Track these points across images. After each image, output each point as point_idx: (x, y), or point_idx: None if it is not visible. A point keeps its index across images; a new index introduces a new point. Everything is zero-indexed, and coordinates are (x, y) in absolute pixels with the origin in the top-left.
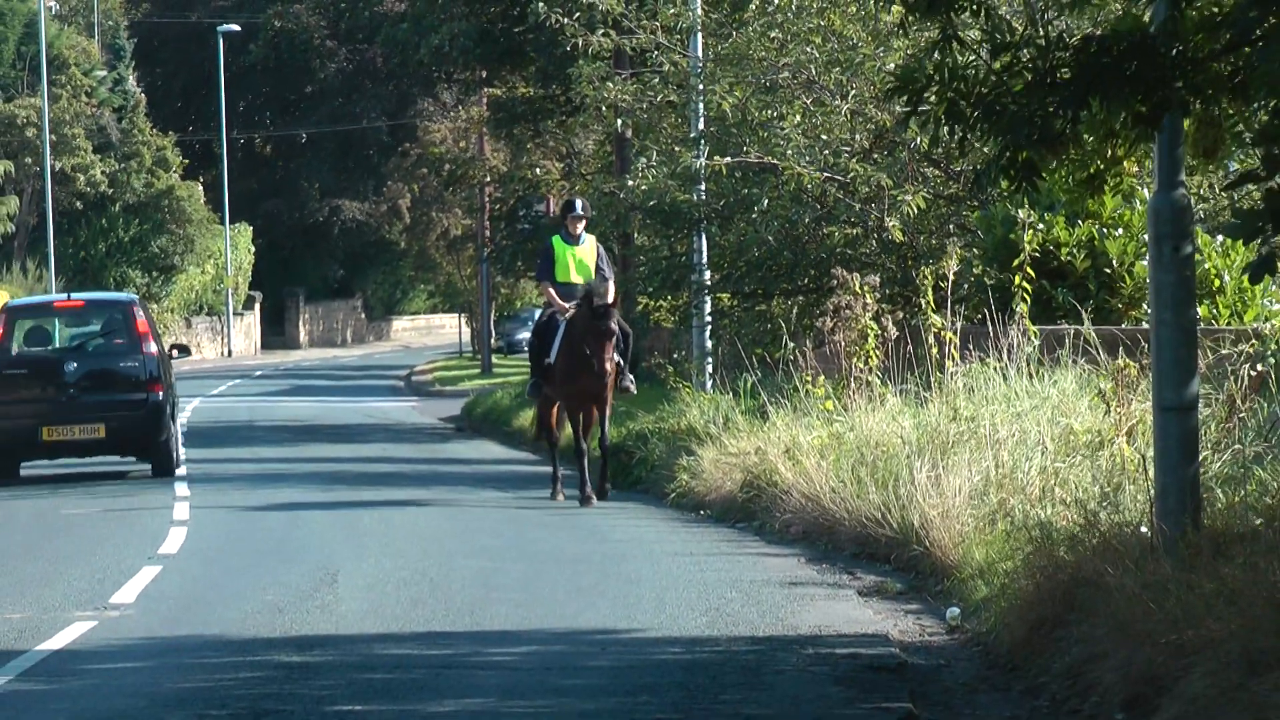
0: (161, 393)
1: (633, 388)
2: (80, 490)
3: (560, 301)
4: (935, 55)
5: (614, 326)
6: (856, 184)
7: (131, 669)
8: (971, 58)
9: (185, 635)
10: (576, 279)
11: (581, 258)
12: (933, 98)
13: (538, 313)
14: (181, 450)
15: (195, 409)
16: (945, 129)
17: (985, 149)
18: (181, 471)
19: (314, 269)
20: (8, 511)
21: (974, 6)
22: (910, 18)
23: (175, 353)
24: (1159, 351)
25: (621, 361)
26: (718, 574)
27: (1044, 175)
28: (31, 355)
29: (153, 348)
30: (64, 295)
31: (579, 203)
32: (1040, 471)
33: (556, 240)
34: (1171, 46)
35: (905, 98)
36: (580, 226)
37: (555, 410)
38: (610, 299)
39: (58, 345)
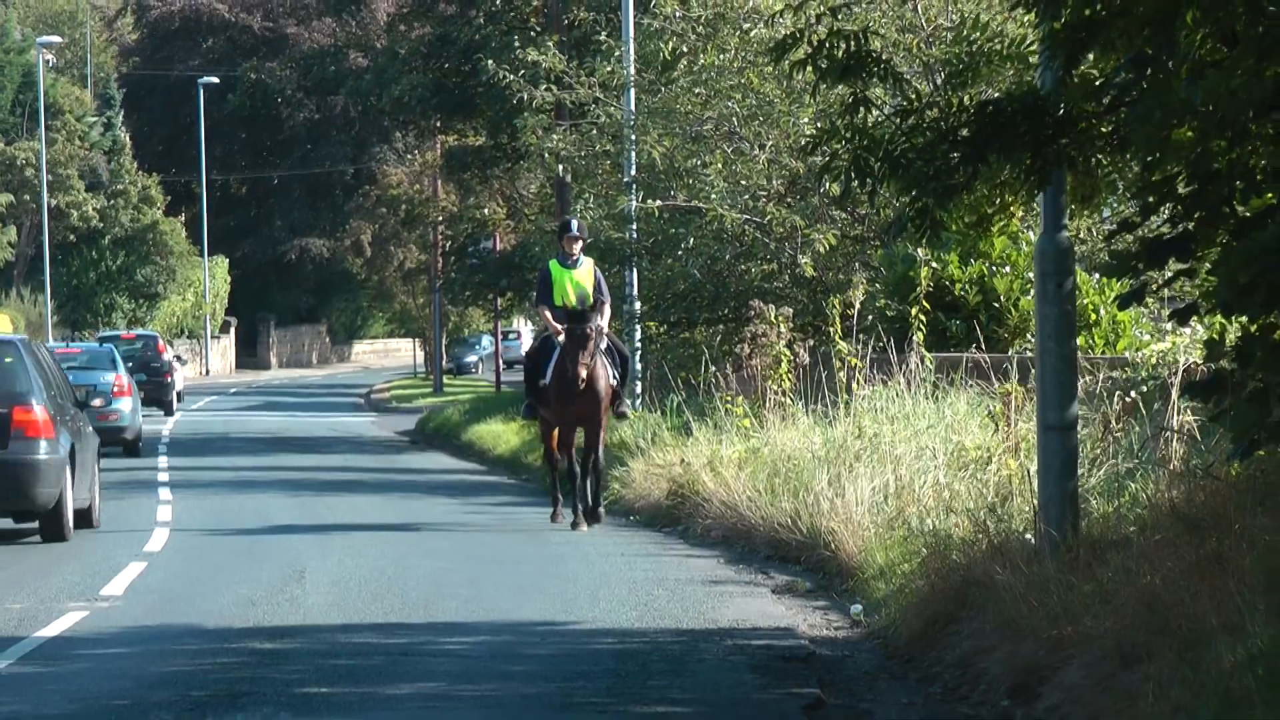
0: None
1: (629, 412)
2: None
3: (555, 324)
4: (845, 117)
5: (590, 331)
6: (772, 225)
7: (120, 654)
8: (879, 117)
9: (168, 624)
10: (574, 302)
11: (579, 280)
12: (844, 154)
13: (485, 339)
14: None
15: (176, 422)
16: (855, 181)
17: (891, 197)
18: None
19: (283, 297)
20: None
21: (881, 73)
22: (822, 83)
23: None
24: (1043, 377)
25: (617, 384)
26: (646, 573)
27: (942, 222)
28: None
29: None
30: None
31: (574, 223)
32: (935, 484)
33: (554, 264)
34: (1058, 108)
35: (822, 157)
36: (577, 248)
37: (556, 433)
38: (604, 320)
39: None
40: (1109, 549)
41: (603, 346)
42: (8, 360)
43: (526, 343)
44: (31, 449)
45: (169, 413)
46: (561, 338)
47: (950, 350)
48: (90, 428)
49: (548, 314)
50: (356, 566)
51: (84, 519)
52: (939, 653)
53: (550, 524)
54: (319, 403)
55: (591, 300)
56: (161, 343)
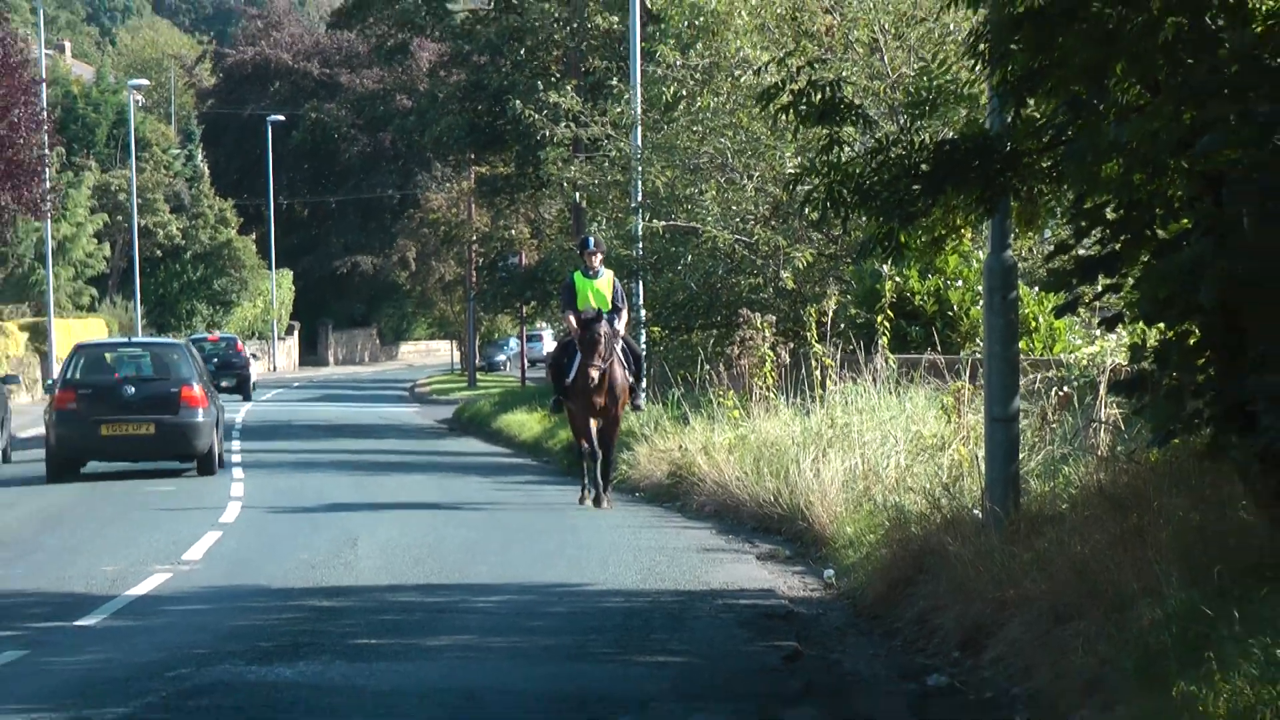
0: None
1: (642, 404)
2: (160, 473)
3: (577, 327)
4: (823, 154)
5: (598, 335)
6: (759, 244)
7: (199, 610)
8: (851, 154)
9: (240, 585)
10: (594, 308)
11: (599, 288)
12: (821, 187)
13: (512, 341)
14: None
15: (248, 411)
16: (831, 210)
17: (861, 222)
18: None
19: (340, 304)
20: (104, 489)
21: (853, 117)
22: (803, 125)
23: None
24: (989, 376)
25: (633, 380)
26: (649, 542)
27: (904, 244)
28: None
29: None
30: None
31: (592, 239)
32: (896, 466)
33: (577, 275)
34: (1005, 146)
35: (803, 189)
36: (596, 261)
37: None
38: (622, 324)
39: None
40: (1045, 523)
41: (618, 348)
42: (176, 356)
43: (548, 344)
44: (193, 414)
45: (247, 398)
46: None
47: (910, 352)
48: (221, 402)
49: (571, 319)
50: (402, 535)
51: (219, 462)
52: (899, 611)
53: (576, 503)
54: (370, 395)
55: (609, 306)
56: (240, 343)
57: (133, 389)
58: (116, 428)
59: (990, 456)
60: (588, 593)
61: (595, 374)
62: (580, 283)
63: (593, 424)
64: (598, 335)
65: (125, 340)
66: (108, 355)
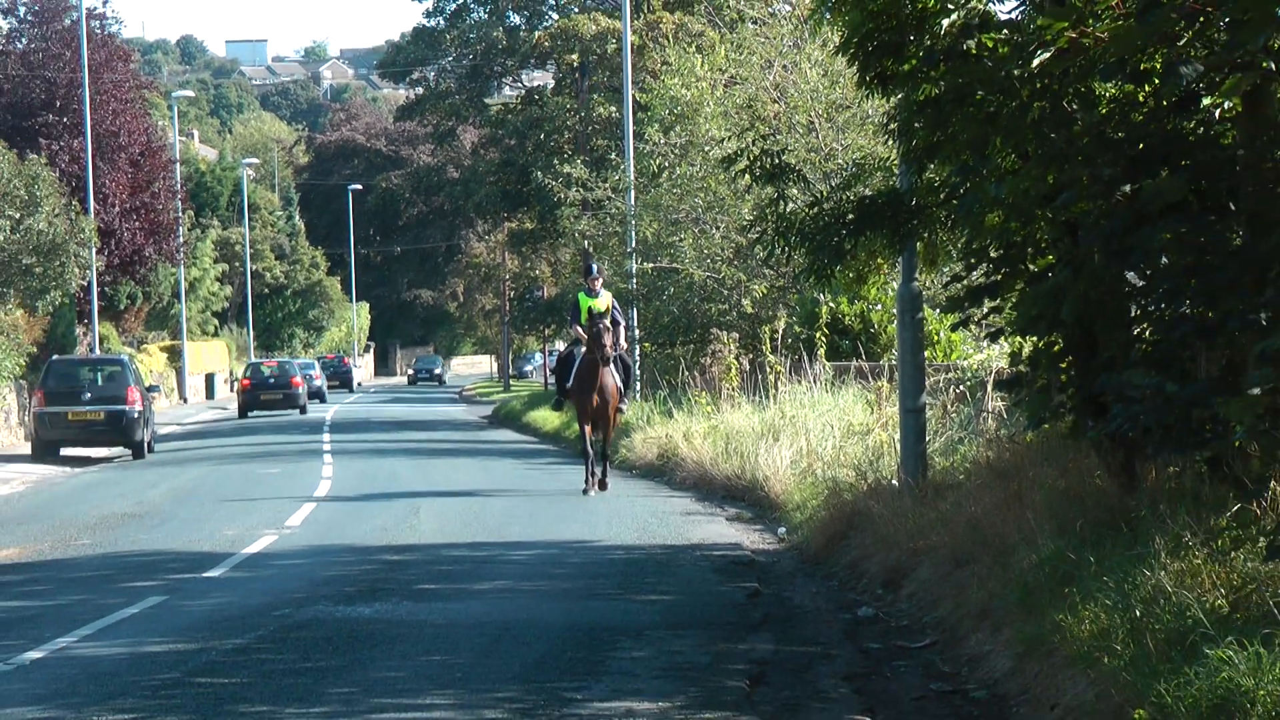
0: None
1: (625, 408)
2: (269, 459)
3: (582, 334)
4: (771, 207)
5: (605, 326)
6: (725, 279)
7: (297, 564)
8: (793, 207)
9: (329, 544)
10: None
11: (598, 306)
12: (770, 230)
13: (537, 355)
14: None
15: (336, 411)
16: (778, 250)
17: (800, 260)
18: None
19: (405, 328)
20: (224, 473)
21: (795, 178)
22: (755, 185)
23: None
24: (902, 377)
25: (622, 388)
26: (643, 507)
27: (835, 276)
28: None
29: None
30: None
31: (594, 266)
32: (832, 448)
33: (581, 295)
34: (911, 201)
35: (756, 233)
36: (598, 284)
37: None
38: (621, 337)
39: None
40: (946, 490)
41: (612, 357)
42: (288, 365)
43: None
44: (297, 390)
45: (351, 390)
46: (582, 349)
47: (842, 360)
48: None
49: (578, 329)
50: (453, 504)
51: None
52: (836, 559)
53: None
54: (429, 398)
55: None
56: (347, 358)
57: (272, 379)
58: (267, 395)
59: (904, 439)
60: (596, 547)
61: (610, 351)
62: (583, 301)
63: (589, 428)
64: (603, 326)
65: (269, 358)
66: (262, 365)
